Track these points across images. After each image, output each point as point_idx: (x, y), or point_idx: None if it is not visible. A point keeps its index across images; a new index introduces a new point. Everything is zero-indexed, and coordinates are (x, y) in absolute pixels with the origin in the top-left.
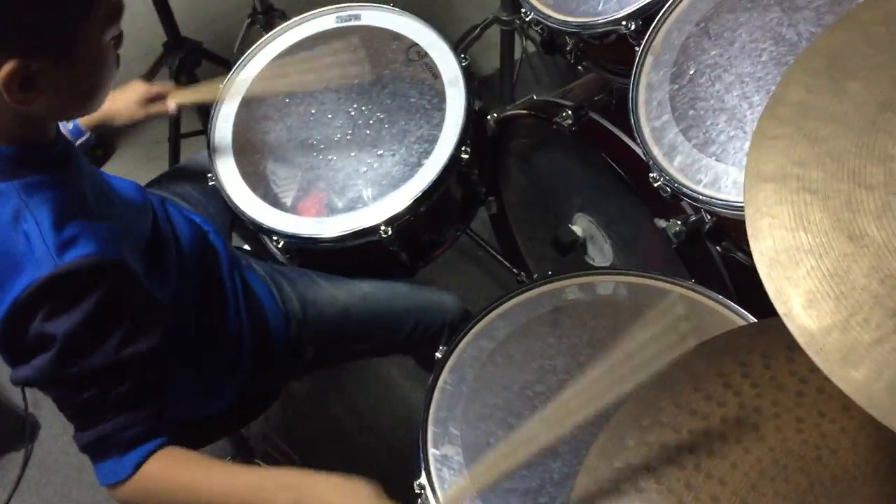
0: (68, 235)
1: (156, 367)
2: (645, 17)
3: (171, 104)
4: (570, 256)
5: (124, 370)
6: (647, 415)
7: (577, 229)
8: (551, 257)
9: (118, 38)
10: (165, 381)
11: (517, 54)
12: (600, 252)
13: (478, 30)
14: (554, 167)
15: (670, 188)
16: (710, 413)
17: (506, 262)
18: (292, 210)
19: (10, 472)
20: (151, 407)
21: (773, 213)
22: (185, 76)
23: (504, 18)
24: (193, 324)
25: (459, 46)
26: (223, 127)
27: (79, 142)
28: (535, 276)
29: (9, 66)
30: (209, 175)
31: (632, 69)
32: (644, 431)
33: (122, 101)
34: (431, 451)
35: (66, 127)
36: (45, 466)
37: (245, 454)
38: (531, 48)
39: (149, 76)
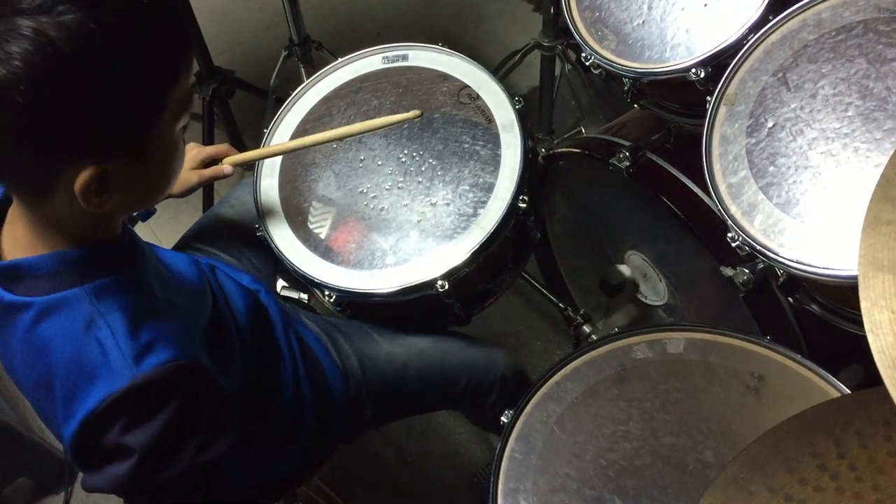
0: (144, 341)
1: (226, 467)
2: (715, 65)
3: (227, 167)
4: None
5: (202, 475)
6: (739, 500)
7: (624, 269)
8: (597, 290)
9: (185, 126)
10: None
11: (556, 75)
12: (654, 291)
13: (518, 55)
14: (604, 202)
15: (750, 248)
16: (807, 499)
17: (550, 295)
18: (326, 244)
19: None
20: None
21: (895, 307)
22: (219, 106)
23: (545, 44)
24: (249, 395)
25: (500, 72)
26: (269, 174)
27: (135, 213)
28: (581, 310)
29: (86, 174)
30: (257, 226)
31: (692, 109)
32: None
33: None
34: None
35: None
36: None
37: (288, 498)
38: (568, 67)
39: None
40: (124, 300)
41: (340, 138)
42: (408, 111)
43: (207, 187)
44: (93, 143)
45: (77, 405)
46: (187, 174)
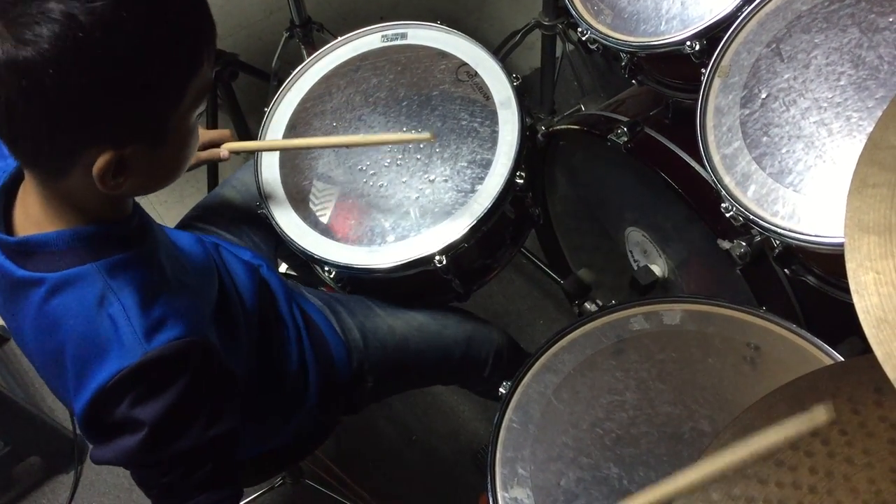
0: (155, 317)
1: (235, 442)
2: (710, 38)
3: (224, 152)
4: (615, 267)
5: (209, 451)
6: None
7: (655, 269)
8: (598, 267)
9: (202, 112)
10: (236, 452)
11: (557, 55)
12: (654, 266)
13: (519, 35)
14: (604, 179)
15: (743, 218)
16: (798, 464)
17: (552, 273)
18: (328, 229)
19: (60, 495)
20: (231, 482)
21: (879, 268)
22: (223, 89)
23: (546, 23)
24: (256, 368)
25: (501, 52)
26: (269, 152)
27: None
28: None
29: (104, 158)
30: (257, 203)
31: (690, 84)
32: (728, 484)
33: None
34: (501, 493)
35: None
36: (94, 488)
37: (295, 475)
38: (570, 47)
39: None
40: (136, 277)
41: (346, 146)
42: (421, 133)
43: (212, 173)
44: (114, 128)
45: (88, 379)
46: None
